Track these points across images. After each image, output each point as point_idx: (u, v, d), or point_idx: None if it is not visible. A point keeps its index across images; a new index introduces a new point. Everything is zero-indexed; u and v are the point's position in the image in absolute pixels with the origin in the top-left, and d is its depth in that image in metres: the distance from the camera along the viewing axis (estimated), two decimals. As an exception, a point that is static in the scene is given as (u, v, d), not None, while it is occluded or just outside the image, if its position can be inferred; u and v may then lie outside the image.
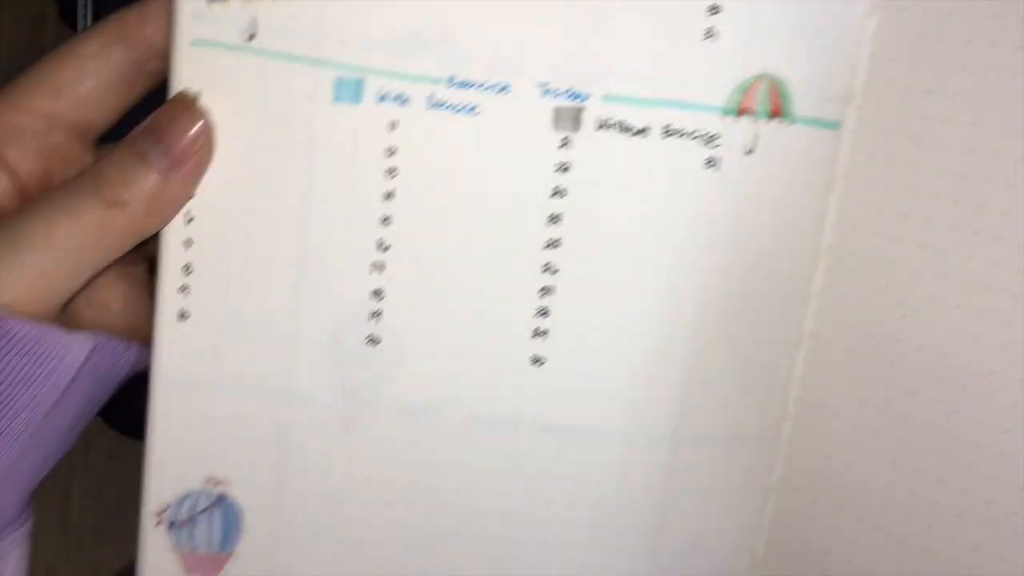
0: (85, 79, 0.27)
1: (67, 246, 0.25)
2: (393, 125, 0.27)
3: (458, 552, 0.28)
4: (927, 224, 0.26)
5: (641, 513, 0.28)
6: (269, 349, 0.28)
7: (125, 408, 0.34)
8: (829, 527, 0.28)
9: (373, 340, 0.28)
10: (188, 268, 0.27)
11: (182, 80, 0.26)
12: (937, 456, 0.26)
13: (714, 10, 0.26)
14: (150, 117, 0.26)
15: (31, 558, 0.29)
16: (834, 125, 0.27)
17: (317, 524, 0.28)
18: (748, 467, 0.29)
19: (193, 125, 0.26)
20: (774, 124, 0.27)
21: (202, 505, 0.28)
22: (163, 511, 0.28)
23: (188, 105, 0.26)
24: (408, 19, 0.26)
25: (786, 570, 0.29)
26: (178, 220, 0.27)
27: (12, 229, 0.25)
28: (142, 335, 0.28)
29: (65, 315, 0.26)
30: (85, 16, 0.43)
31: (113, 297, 0.29)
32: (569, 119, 0.26)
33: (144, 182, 0.25)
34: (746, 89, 0.26)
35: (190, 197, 0.27)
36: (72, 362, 0.26)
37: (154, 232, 0.26)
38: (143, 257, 0.30)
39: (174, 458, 0.28)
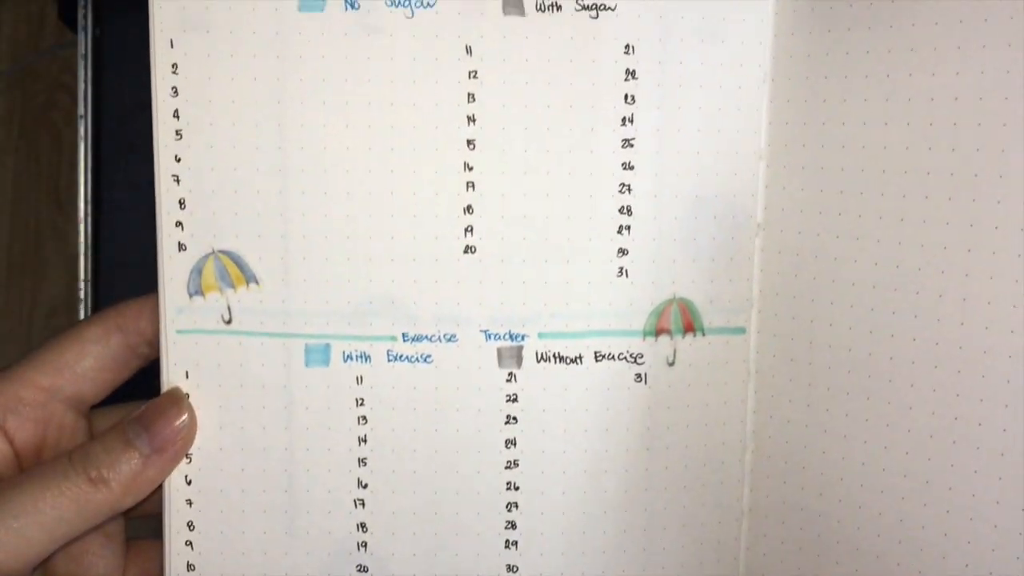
0: (85, 359, 0.31)
1: (50, 516, 0.28)
2: (359, 379, 0.30)
3: None
4: (828, 413, 0.30)
5: None
6: (270, 589, 0.31)
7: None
8: None
9: (362, 568, 0.31)
10: (191, 525, 0.31)
11: (170, 364, 0.30)
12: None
13: (622, 252, 0.30)
14: (142, 408, 0.29)
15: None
16: (740, 331, 0.31)
17: None
18: (711, 636, 0.32)
19: (178, 419, 0.29)
20: (688, 338, 0.31)
21: None
22: None
23: (176, 401, 0.30)
24: (361, 291, 0.30)
25: None
26: (179, 482, 0.30)
27: (3, 495, 0.28)
28: None
29: (43, 568, 0.29)
30: (85, 16, 0.43)
31: (88, 551, 0.31)
32: (511, 357, 0.30)
33: (126, 465, 0.29)
34: (660, 313, 0.31)
35: (163, 479, 0.30)
36: None
37: (128, 508, 0.29)
38: (121, 516, 0.33)
39: None
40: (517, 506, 0.31)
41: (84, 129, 0.42)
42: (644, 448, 0.31)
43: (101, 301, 0.41)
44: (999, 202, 0.26)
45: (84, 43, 0.42)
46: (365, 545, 0.31)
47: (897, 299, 0.28)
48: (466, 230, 0.30)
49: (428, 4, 0.29)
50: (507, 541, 0.31)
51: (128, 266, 0.41)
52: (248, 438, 0.31)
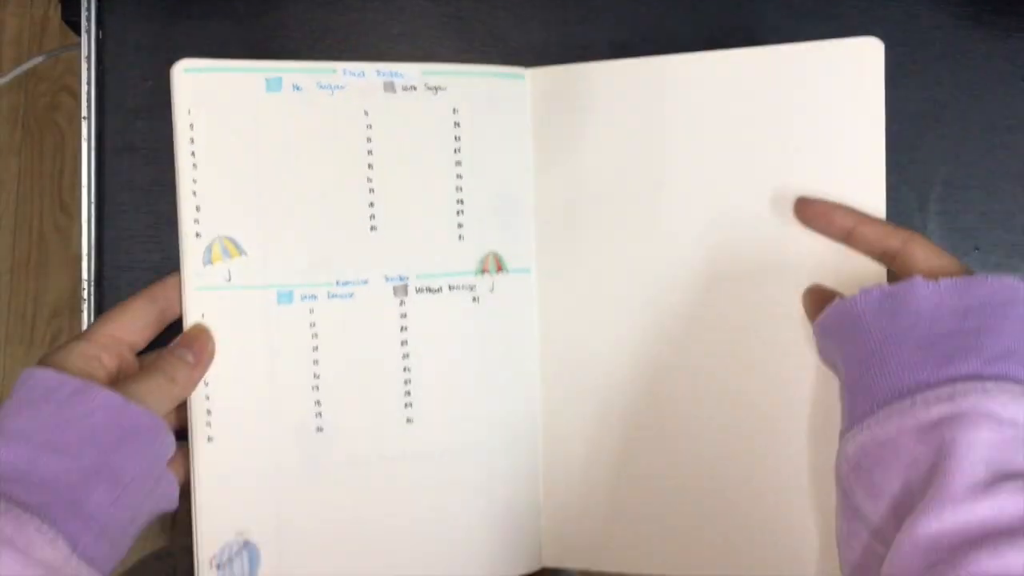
0: (136, 320, 0.48)
1: (160, 396, 0.45)
2: (311, 311, 0.50)
3: None
4: (598, 326, 0.54)
5: None
6: (263, 447, 0.49)
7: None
8: None
9: (319, 429, 0.50)
10: (209, 413, 0.49)
11: (191, 310, 0.48)
12: None
13: (460, 226, 0.53)
14: (179, 338, 0.48)
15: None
16: (527, 271, 0.55)
17: None
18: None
19: (206, 340, 0.48)
20: (500, 275, 0.54)
21: None
22: None
23: (202, 329, 0.48)
24: (310, 255, 0.50)
25: None
26: (200, 393, 0.48)
27: (135, 384, 0.45)
28: None
29: None
30: (88, 18, 0.41)
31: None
32: (401, 291, 0.52)
33: (185, 368, 0.47)
34: (483, 259, 0.53)
35: (201, 379, 0.48)
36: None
37: (184, 398, 0.48)
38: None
39: None
40: (412, 404, 0.52)
41: (87, 130, 0.41)
42: (481, 341, 0.53)
43: (104, 302, 0.47)
44: (660, 203, 0.52)
45: (87, 45, 0.41)
46: (320, 415, 0.50)
47: (642, 233, 0.53)
48: (370, 217, 0.51)
49: (340, 87, 0.51)
50: (407, 417, 0.52)
51: (131, 267, 0.49)
52: (244, 358, 0.49)
